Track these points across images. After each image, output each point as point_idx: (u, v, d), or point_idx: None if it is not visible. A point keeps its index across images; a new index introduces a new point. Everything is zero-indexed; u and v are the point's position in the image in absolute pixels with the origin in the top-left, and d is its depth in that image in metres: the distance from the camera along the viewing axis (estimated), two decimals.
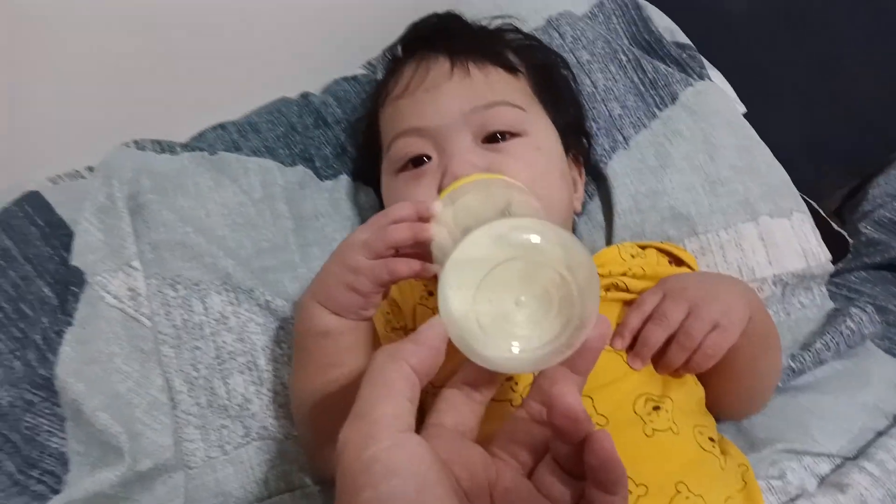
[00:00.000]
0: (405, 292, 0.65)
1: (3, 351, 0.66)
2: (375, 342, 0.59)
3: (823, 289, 0.77)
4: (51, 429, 0.64)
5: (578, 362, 0.40)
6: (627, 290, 0.63)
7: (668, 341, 0.58)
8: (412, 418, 0.36)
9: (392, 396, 0.35)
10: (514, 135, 0.65)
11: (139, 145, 0.75)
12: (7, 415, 0.64)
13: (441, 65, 0.69)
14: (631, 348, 0.59)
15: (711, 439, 0.57)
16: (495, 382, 0.42)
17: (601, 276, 0.63)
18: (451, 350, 0.39)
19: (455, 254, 0.39)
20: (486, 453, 0.40)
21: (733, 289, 0.63)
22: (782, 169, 0.79)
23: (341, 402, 0.45)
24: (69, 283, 0.67)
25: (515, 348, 0.40)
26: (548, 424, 0.38)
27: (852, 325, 0.73)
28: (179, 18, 0.85)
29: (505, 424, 0.42)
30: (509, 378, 0.56)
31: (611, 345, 0.59)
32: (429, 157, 0.66)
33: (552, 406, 0.36)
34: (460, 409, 0.41)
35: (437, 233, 0.50)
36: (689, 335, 0.57)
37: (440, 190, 0.62)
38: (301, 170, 0.78)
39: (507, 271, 0.40)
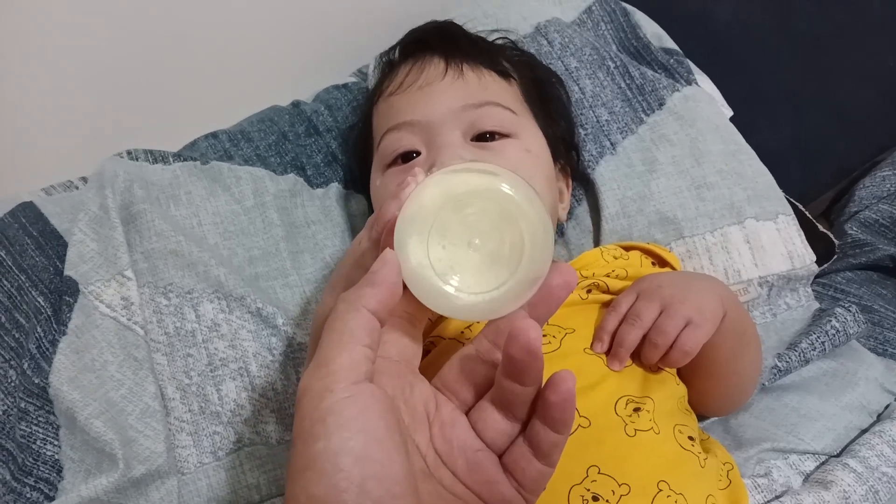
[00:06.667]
0: None
1: None
2: None
3: (809, 290, 0.78)
4: (45, 437, 0.63)
5: (540, 308, 0.39)
6: (608, 291, 0.64)
7: (646, 340, 0.59)
8: (369, 365, 0.36)
9: (350, 345, 0.36)
10: (503, 136, 0.66)
11: (132, 155, 0.75)
12: (2, 423, 0.64)
13: (436, 65, 0.70)
14: (609, 350, 0.60)
15: (691, 438, 0.57)
16: (426, 311, 0.42)
17: (584, 277, 0.64)
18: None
19: (408, 201, 0.39)
20: (429, 385, 0.41)
21: (707, 286, 0.63)
22: (768, 173, 0.79)
23: None
24: (63, 293, 0.67)
25: (466, 295, 0.39)
26: (497, 362, 0.38)
27: (837, 325, 0.73)
28: (171, 27, 0.85)
29: (451, 360, 0.42)
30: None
31: (591, 348, 0.60)
32: (418, 154, 0.66)
33: (512, 337, 0.36)
34: (402, 339, 0.41)
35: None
36: (662, 333, 0.58)
37: None
38: (292, 178, 0.78)
39: (459, 216, 0.39)
